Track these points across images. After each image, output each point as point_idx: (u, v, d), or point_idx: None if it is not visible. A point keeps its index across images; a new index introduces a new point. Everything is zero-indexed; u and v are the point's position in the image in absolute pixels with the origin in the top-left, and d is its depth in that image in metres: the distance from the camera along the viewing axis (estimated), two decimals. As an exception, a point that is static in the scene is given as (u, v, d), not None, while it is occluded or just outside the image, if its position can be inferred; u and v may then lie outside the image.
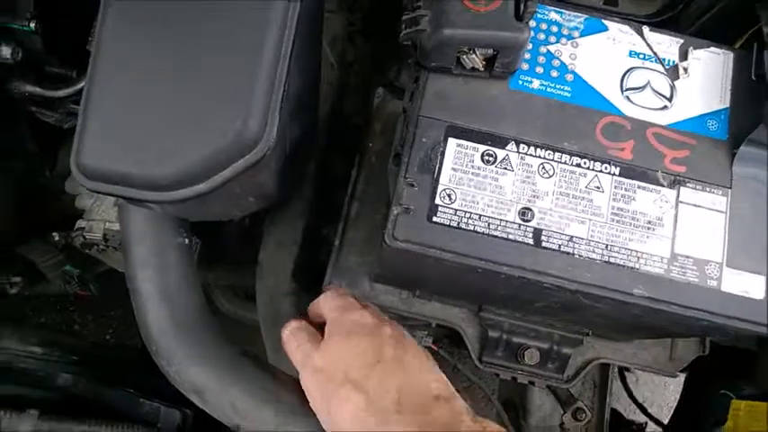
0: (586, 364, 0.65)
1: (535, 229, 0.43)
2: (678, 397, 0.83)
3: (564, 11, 0.47)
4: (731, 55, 0.47)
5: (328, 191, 0.75)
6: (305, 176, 0.72)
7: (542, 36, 0.47)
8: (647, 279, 0.42)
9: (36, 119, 0.59)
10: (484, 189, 0.43)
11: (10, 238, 0.64)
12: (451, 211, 0.43)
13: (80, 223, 0.61)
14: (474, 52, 0.43)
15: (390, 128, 0.68)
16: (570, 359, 0.65)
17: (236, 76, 0.38)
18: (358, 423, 0.39)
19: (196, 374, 0.48)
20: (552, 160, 0.44)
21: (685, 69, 0.46)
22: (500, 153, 0.44)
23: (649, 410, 0.93)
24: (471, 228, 0.43)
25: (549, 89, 0.45)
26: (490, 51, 0.43)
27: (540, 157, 0.44)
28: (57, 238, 0.67)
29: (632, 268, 0.42)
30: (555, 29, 0.47)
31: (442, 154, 0.44)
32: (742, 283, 0.42)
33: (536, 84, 0.45)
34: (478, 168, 0.44)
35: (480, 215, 0.43)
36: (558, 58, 0.46)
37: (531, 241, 0.42)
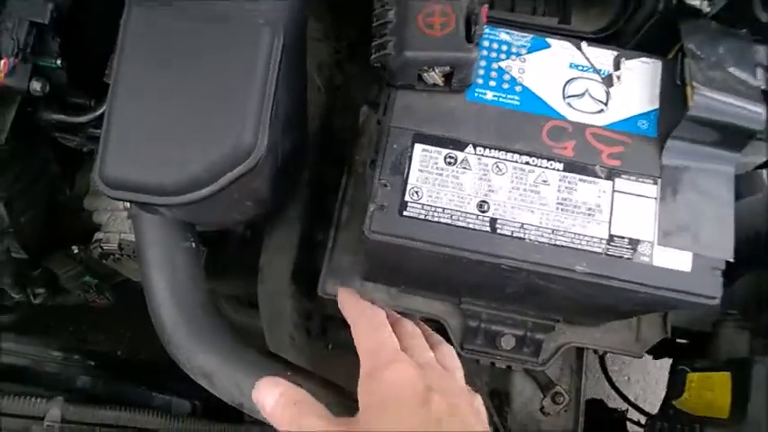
0: (559, 348, 0.72)
1: (491, 218, 0.50)
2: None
3: (513, 32, 0.55)
4: (659, 64, 0.54)
5: (322, 199, 0.82)
6: (300, 186, 0.80)
7: (494, 54, 0.54)
8: (589, 257, 0.49)
9: (58, 144, 0.67)
10: (446, 186, 0.50)
11: (36, 251, 0.71)
12: (419, 206, 0.50)
13: (98, 236, 0.69)
14: (433, 70, 0.50)
15: (375, 140, 0.75)
16: (544, 344, 0.71)
17: (231, 97, 0.45)
18: None
19: (205, 361, 0.55)
20: (505, 160, 0.51)
21: (618, 77, 0.54)
22: (460, 155, 0.51)
23: (641, 406, 0.98)
24: (437, 219, 0.50)
25: (500, 99, 0.53)
26: (447, 69, 0.50)
27: (494, 157, 0.51)
28: (76, 251, 0.75)
29: (576, 249, 0.49)
30: (505, 48, 0.54)
31: (410, 158, 0.51)
32: (671, 259, 0.49)
33: (489, 95, 0.53)
34: (441, 169, 0.51)
35: (444, 208, 0.50)
36: (508, 73, 0.54)
37: (487, 229, 0.49)
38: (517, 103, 0.53)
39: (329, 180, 0.82)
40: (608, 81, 0.54)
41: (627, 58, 0.54)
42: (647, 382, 1.46)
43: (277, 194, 0.60)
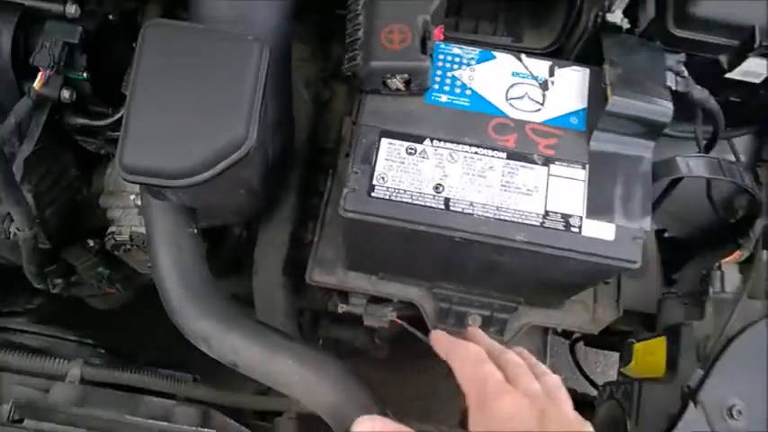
0: (522, 327, 0.80)
1: (445, 198, 0.59)
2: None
3: (464, 47, 0.66)
4: (587, 71, 0.65)
5: (309, 202, 0.91)
6: (290, 191, 0.89)
7: (448, 65, 0.65)
8: (527, 229, 0.58)
9: (78, 148, 0.77)
10: (408, 172, 0.60)
11: (57, 242, 0.81)
12: (385, 189, 0.59)
13: (111, 229, 0.79)
14: (395, 77, 0.61)
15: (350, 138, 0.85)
16: (508, 324, 0.80)
17: (226, 99, 0.56)
18: None
19: (204, 325, 0.63)
20: (457, 150, 0.61)
21: (552, 83, 0.64)
22: (419, 147, 0.61)
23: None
24: (399, 199, 0.59)
25: (453, 101, 0.63)
26: (406, 76, 0.60)
27: (448, 148, 0.61)
28: (92, 245, 0.84)
29: (516, 222, 0.58)
30: (458, 59, 0.65)
31: (377, 150, 0.61)
32: (598, 230, 0.58)
33: (444, 98, 0.63)
34: (404, 159, 0.60)
35: (406, 190, 0.59)
36: (459, 80, 0.64)
37: (442, 207, 0.59)
38: (467, 104, 0.63)
39: (316, 185, 0.92)
40: (544, 86, 0.64)
41: (560, 67, 0.65)
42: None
43: (267, 189, 0.69)
